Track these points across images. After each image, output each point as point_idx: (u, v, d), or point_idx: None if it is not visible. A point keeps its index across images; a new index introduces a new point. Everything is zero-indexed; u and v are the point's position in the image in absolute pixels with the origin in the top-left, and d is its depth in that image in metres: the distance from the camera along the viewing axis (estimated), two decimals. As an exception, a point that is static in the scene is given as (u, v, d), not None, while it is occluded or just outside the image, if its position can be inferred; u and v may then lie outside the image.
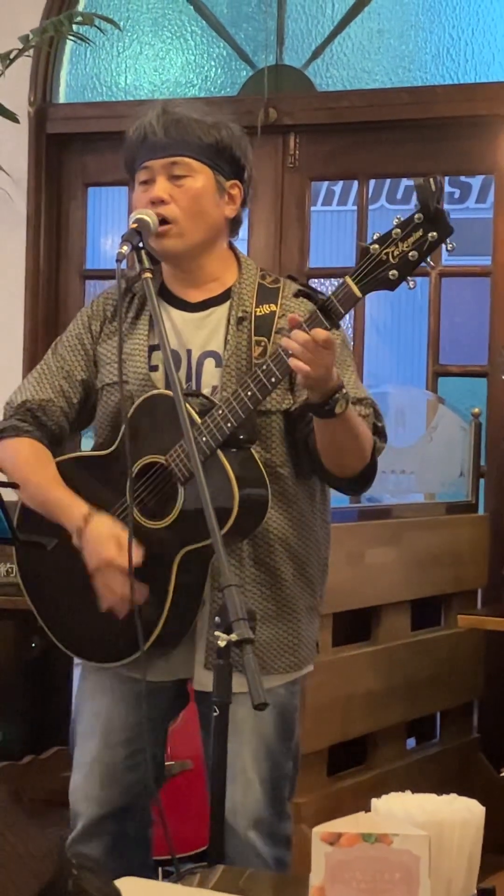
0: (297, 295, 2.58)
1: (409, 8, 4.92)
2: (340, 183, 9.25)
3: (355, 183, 5.32)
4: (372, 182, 5.23)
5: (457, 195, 9.62)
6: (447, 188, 5.57)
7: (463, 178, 9.27)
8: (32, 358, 5.05)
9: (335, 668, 3.76)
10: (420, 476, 4.80)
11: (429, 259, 2.37)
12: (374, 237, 2.37)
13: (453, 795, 1.78)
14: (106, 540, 2.57)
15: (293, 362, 2.38)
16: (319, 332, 2.37)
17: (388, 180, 8.35)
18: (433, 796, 1.78)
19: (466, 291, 5.46)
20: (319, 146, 5.01)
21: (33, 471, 2.71)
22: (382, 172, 5.43)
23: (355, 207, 5.32)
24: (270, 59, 5.02)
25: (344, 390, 2.45)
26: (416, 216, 2.34)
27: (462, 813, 1.73)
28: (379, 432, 2.64)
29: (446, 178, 5.10)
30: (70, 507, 2.64)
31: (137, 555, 2.54)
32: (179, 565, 2.58)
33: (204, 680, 2.63)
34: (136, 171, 2.67)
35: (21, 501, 2.78)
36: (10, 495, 2.74)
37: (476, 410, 4.69)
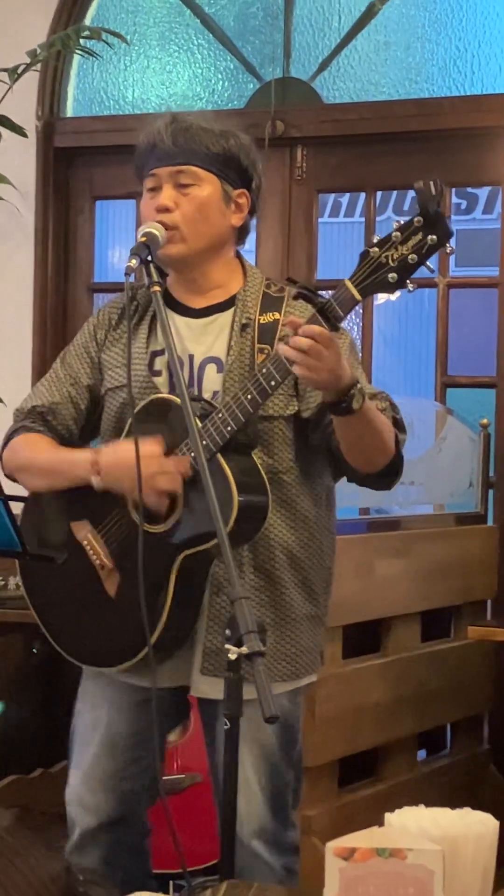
0: (296, 297, 2.58)
1: (416, 20, 4.92)
2: (347, 195, 9.26)
3: (362, 195, 5.33)
4: (379, 194, 5.23)
5: (464, 206, 9.62)
6: (454, 199, 5.57)
7: (470, 190, 9.27)
8: (41, 370, 5.05)
9: (345, 680, 3.76)
10: (429, 487, 4.80)
11: (429, 263, 2.35)
12: (375, 240, 2.37)
13: (467, 809, 1.78)
14: (125, 468, 2.54)
15: (297, 370, 2.39)
16: (320, 330, 2.35)
17: (394, 192, 8.36)
18: (447, 810, 1.77)
19: (475, 302, 5.46)
20: (327, 158, 5.01)
21: (40, 450, 2.73)
22: (389, 184, 5.43)
23: (363, 219, 5.32)
24: (277, 71, 5.03)
25: (359, 385, 2.44)
26: (416, 219, 2.33)
27: (476, 827, 1.73)
28: (398, 424, 2.63)
29: (453, 190, 5.09)
30: (74, 459, 2.64)
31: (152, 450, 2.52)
32: (179, 570, 2.57)
33: (202, 686, 2.63)
34: (145, 178, 2.69)
35: (23, 511, 2.78)
36: (18, 508, 2.75)
37: (485, 421, 4.69)
